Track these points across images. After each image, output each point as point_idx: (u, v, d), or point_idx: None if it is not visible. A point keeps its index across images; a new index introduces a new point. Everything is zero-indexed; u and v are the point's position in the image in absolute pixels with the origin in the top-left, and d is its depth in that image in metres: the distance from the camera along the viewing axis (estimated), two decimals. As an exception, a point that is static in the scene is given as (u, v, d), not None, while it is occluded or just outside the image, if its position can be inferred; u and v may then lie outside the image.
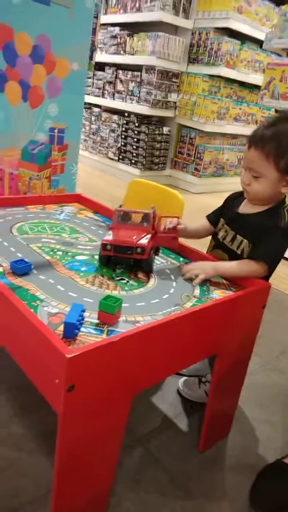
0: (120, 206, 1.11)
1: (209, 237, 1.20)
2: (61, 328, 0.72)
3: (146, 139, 3.93)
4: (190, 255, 1.14)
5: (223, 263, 1.03)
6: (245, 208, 1.09)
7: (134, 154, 4.07)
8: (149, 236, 1.01)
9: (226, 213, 1.13)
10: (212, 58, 3.70)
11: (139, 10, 3.82)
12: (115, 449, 0.81)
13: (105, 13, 4.21)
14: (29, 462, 0.99)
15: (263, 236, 1.00)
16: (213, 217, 1.18)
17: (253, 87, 4.18)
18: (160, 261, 1.11)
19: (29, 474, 0.96)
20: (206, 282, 1.02)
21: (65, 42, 1.70)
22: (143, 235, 1.00)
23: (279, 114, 1.01)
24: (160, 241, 1.07)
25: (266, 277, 1.04)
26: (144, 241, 0.98)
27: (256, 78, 3.93)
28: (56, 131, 1.82)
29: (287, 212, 1.03)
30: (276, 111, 2.80)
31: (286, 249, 1.04)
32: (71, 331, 0.70)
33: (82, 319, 0.76)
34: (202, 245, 1.20)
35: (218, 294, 0.96)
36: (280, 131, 0.96)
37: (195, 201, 3.75)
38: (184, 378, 1.32)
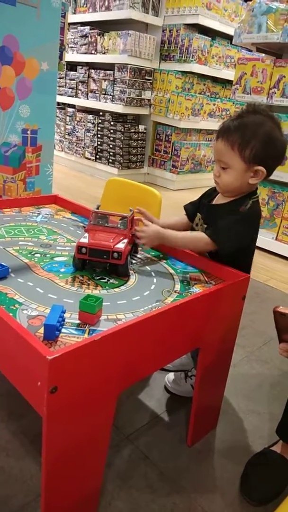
0: (98, 207, 1.09)
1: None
2: (42, 330, 0.71)
3: (122, 138, 3.93)
4: (169, 250, 1.14)
5: (169, 233, 1.05)
6: (217, 200, 1.11)
7: (111, 153, 4.06)
8: (126, 240, 0.98)
9: (202, 208, 1.15)
10: (183, 54, 3.72)
11: (108, 8, 3.80)
12: (103, 448, 0.80)
13: (74, 13, 4.18)
14: (17, 467, 0.98)
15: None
16: (190, 207, 1.18)
17: (226, 82, 4.22)
18: (140, 258, 1.11)
19: (18, 480, 0.95)
20: (187, 277, 1.02)
21: (34, 42, 1.68)
22: (120, 239, 0.97)
23: (245, 107, 1.03)
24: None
25: (247, 269, 1.06)
26: (121, 245, 0.95)
27: (228, 74, 3.97)
28: (29, 132, 1.80)
29: (252, 202, 1.04)
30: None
31: (242, 233, 1.02)
32: (51, 333, 0.69)
33: (63, 320, 0.75)
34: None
35: (198, 288, 0.97)
36: (245, 122, 0.98)
37: (174, 197, 3.76)
38: (171, 373, 1.33)
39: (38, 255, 1.04)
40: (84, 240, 0.95)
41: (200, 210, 1.15)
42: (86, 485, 0.81)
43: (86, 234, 0.98)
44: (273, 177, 2.68)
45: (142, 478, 0.99)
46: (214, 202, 1.12)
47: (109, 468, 0.99)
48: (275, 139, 0.98)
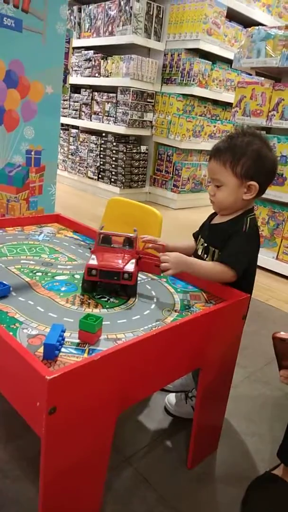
0: (102, 227, 1.09)
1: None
2: (42, 349, 0.71)
3: (124, 158, 3.98)
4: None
5: (196, 262, 1.02)
6: (216, 220, 1.13)
7: (113, 173, 4.11)
8: (134, 261, 0.99)
9: (203, 229, 1.17)
10: (184, 78, 3.81)
11: (111, 33, 3.92)
12: (102, 470, 0.79)
13: (79, 37, 4.31)
14: (14, 489, 0.96)
15: (228, 241, 1.04)
16: (196, 234, 1.21)
17: (226, 105, 4.30)
18: (140, 277, 1.11)
19: (15, 502, 0.93)
20: (187, 296, 1.03)
21: (39, 67, 1.73)
22: (128, 260, 0.98)
23: (235, 129, 1.10)
24: (143, 267, 1.03)
25: (250, 290, 1.06)
26: (130, 266, 0.95)
27: (228, 96, 4.05)
28: (32, 153, 1.83)
29: (250, 220, 1.06)
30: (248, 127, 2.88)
31: (250, 252, 1.04)
32: (51, 352, 0.70)
33: (63, 339, 0.75)
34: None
35: (198, 308, 0.97)
36: (235, 143, 1.04)
37: (175, 216, 3.79)
38: (170, 394, 1.31)
39: (40, 273, 1.05)
40: (93, 262, 0.95)
41: (202, 232, 1.17)
42: (84, 508, 0.79)
43: (94, 256, 0.98)
44: (272, 197, 2.71)
45: (142, 502, 0.98)
46: (213, 222, 1.14)
47: (108, 490, 0.98)
48: (264, 155, 1.03)
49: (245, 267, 1.02)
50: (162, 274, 1.00)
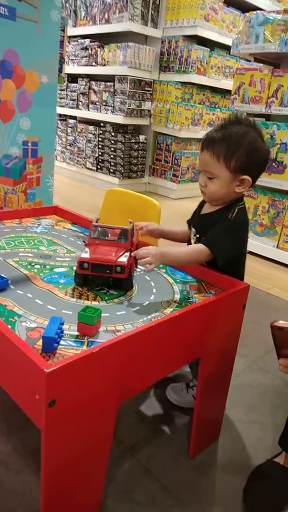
0: (97, 220, 1.08)
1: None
2: (40, 342, 0.71)
3: (123, 148, 3.95)
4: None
5: (170, 251, 1.00)
6: (205, 209, 1.12)
7: (112, 163, 4.08)
8: (128, 253, 0.97)
9: (194, 219, 1.16)
10: (182, 65, 3.76)
11: (108, 21, 3.86)
12: (103, 461, 0.80)
13: (75, 26, 4.24)
14: (17, 481, 0.97)
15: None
16: (189, 221, 1.19)
17: (225, 92, 4.25)
18: (140, 268, 1.11)
19: (18, 494, 0.94)
20: (187, 287, 1.02)
21: (34, 56, 1.70)
22: (122, 253, 0.96)
23: (228, 118, 1.06)
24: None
25: (241, 276, 1.06)
26: (123, 259, 0.94)
27: (227, 84, 4.00)
28: (29, 144, 1.81)
29: (238, 209, 1.05)
30: (248, 115, 2.85)
31: (232, 238, 1.03)
32: (50, 345, 0.69)
33: (61, 332, 0.75)
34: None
35: (198, 298, 0.97)
36: (229, 133, 1.01)
37: (175, 206, 3.77)
38: (172, 384, 1.32)
39: (38, 266, 1.05)
40: (86, 255, 0.94)
41: (193, 221, 1.16)
42: (86, 499, 0.80)
43: (87, 249, 0.97)
44: (273, 185, 2.69)
45: (144, 492, 0.98)
46: (202, 212, 1.13)
47: (110, 481, 0.98)
48: (259, 148, 1.01)
49: (228, 253, 1.01)
50: (146, 271, 0.99)
